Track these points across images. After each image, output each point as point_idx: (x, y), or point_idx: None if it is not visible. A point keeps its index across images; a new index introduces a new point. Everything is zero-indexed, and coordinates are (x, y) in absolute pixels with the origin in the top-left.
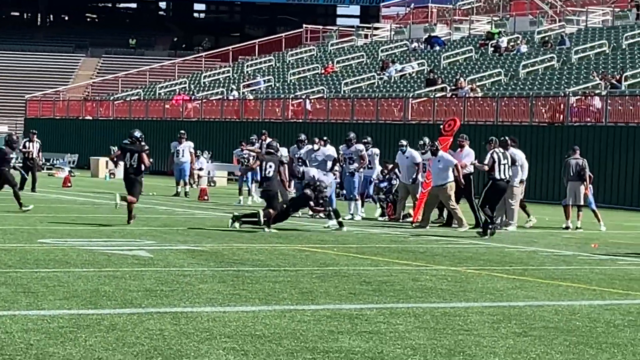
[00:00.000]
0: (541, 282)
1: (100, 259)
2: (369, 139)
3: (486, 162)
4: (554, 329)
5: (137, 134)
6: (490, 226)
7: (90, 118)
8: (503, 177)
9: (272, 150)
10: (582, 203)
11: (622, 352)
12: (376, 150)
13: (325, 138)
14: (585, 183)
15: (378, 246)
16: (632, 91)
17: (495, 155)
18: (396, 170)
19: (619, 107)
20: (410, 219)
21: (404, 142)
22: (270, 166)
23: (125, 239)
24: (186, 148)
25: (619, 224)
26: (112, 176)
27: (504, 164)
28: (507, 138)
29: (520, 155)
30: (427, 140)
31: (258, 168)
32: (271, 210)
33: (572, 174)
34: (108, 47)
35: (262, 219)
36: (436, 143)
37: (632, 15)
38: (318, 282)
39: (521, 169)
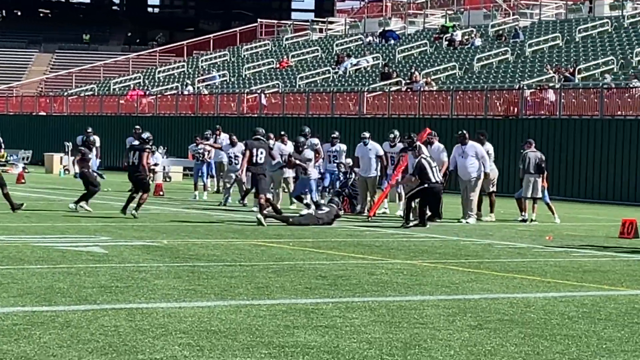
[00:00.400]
0: (496, 274)
1: (54, 256)
2: (337, 134)
3: (411, 172)
4: (509, 321)
5: (145, 135)
6: (410, 219)
7: (44, 114)
8: (437, 180)
9: (260, 137)
10: (539, 196)
11: (576, 343)
12: (343, 146)
13: (282, 133)
14: (543, 176)
15: (334, 240)
16: (585, 84)
17: (423, 162)
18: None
19: (573, 100)
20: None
21: (367, 134)
22: (262, 152)
23: (80, 235)
24: None
25: (573, 216)
26: (66, 172)
27: (435, 167)
28: (464, 132)
29: (480, 149)
30: (397, 133)
31: (213, 162)
32: (262, 202)
33: (531, 167)
34: (61, 43)
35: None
36: (413, 136)
37: (585, 8)
38: (274, 276)
39: (483, 161)
